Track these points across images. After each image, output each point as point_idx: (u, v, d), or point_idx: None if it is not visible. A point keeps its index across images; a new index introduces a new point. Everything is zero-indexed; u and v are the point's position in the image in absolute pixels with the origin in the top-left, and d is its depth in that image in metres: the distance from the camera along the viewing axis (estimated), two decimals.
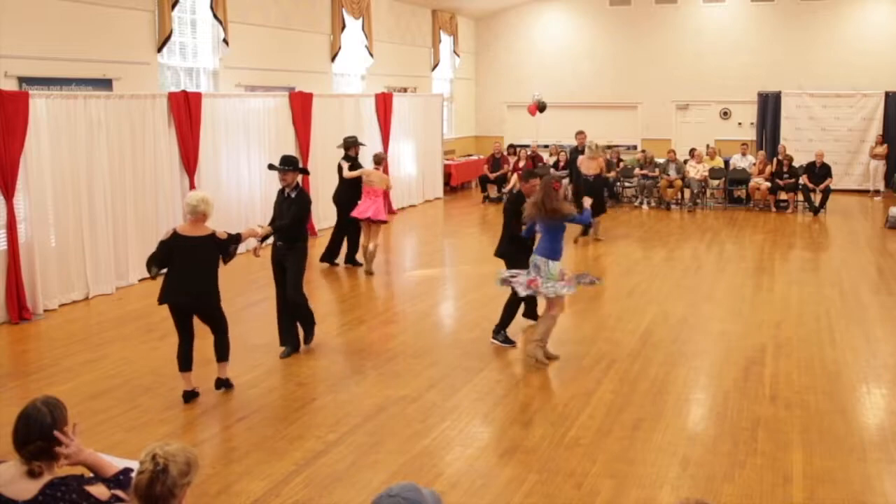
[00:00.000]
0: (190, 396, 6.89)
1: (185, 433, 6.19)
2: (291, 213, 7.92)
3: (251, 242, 8.34)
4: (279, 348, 8.15)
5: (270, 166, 8.40)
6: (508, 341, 8.31)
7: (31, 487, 3.03)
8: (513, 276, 7.82)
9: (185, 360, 6.93)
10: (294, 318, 8.20)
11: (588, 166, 14.43)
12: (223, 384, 7.10)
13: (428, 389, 7.12)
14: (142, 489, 2.78)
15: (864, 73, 20.19)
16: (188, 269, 6.72)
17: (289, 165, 8.00)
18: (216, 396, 6.99)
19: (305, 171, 8.82)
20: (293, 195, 8.02)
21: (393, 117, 17.45)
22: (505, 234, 8.59)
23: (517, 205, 8.22)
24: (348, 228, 11.95)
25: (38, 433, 3.06)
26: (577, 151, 15.58)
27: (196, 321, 7.04)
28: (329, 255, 12.10)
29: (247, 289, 10.45)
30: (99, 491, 3.09)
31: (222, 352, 7.10)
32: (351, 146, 12.08)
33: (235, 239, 7.03)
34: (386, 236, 14.91)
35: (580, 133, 15.96)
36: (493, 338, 8.36)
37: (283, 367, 7.77)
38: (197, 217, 6.80)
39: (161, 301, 6.83)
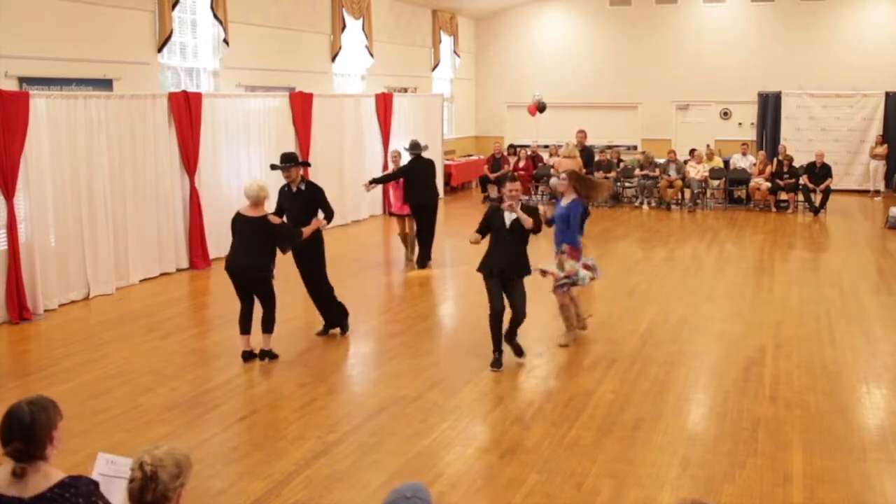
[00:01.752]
0: (248, 357, 7.76)
1: (185, 433, 6.19)
2: (326, 203, 8.30)
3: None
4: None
5: (273, 166, 8.60)
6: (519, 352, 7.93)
7: (41, 484, 3.00)
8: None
9: (243, 324, 7.78)
10: (325, 305, 8.57)
11: (566, 166, 14.10)
12: (266, 355, 7.78)
13: (428, 389, 7.12)
14: (134, 498, 2.78)
15: (865, 73, 20.19)
16: (242, 244, 7.62)
17: (291, 161, 8.25)
18: (215, 397, 6.99)
19: (307, 164, 9.19)
20: (303, 188, 8.26)
21: (393, 117, 17.45)
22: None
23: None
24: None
25: (18, 434, 2.98)
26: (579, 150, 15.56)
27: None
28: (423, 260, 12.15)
29: None
30: None
31: (267, 324, 7.79)
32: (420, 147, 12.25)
33: (291, 236, 7.81)
34: (386, 235, 14.93)
35: (581, 132, 15.97)
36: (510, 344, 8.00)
37: (284, 367, 7.78)
38: (257, 202, 7.61)
39: (226, 267, 7.81)
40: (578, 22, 22.69)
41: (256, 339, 7.84)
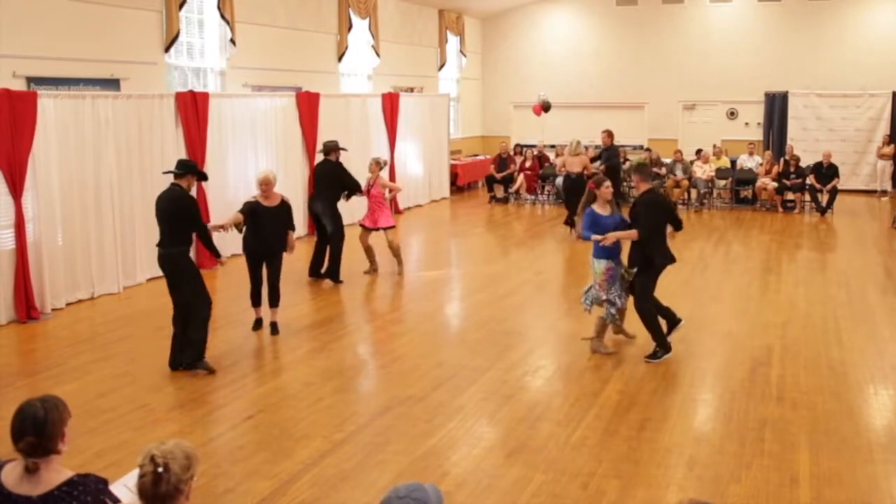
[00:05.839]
0: (258, 325, 8.84)
1: (192, 432, 6.20)
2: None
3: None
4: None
5: (192, 172, 8.03)
6: (666, 350, 7.87)
7: (49, 482, 3.02)
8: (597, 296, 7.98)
9: (256, 298, 8.89)
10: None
11: (572, 163, 14.81)
12: (273, 327, 8.70)
13: (434, 389, 7.13)
14: (147, 491, 2.78)
15: (872, 73, 20.14)
16: (265, 230, 8.56)
17: (188, 169, 7.90)
18: (221, 396, 7.01)
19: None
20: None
21: (399, 117, 17.47)
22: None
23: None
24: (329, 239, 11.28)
25: (31, 429, 3.02)
26: (606, 150, 15.74)
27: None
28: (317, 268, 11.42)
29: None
30: None
31: (276, 299, 8.76)
32: (331, 150, 11.33)
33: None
34: (392, 236, 14.91)
35: (606, 132, 16.08)
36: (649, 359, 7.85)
37: (290, 367, 7.80)
38: (271, 187, 8.57)
39: (244, 251, 8.80)
40: (585, 22, 22.67)
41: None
